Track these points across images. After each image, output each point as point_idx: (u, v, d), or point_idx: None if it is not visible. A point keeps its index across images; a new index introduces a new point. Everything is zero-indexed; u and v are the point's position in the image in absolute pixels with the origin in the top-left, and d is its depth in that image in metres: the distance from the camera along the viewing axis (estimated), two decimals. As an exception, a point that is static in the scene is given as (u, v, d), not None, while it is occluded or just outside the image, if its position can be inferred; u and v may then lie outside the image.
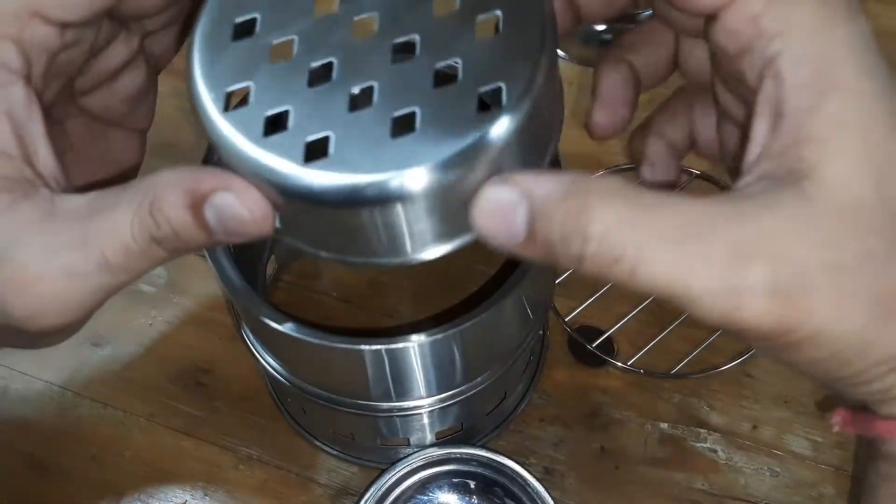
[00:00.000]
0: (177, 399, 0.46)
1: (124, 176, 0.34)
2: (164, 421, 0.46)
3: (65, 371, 0.47)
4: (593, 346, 0.46)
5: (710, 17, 0.26)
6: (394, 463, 0.38)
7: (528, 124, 0.25)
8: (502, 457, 0.38)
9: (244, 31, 0.28)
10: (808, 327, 0.23)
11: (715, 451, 0.44)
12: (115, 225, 0.26)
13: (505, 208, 0.24)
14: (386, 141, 0.25)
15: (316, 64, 0.27)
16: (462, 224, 0.26)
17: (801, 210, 0.23)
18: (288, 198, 0.25)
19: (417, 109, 0.25)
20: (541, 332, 0.44)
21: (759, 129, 0.24)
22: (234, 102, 0.26)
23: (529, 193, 0.24)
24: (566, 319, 0.47)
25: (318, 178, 0.25)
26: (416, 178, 0.24)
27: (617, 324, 0.47)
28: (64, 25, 0.28)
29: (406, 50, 0.27)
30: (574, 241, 0.23)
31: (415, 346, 0.32)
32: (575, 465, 0.44)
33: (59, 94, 0.31)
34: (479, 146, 0.25)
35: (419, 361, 0.34)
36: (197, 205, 0.25)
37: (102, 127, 0.33)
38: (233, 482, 0.44)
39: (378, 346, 0.32)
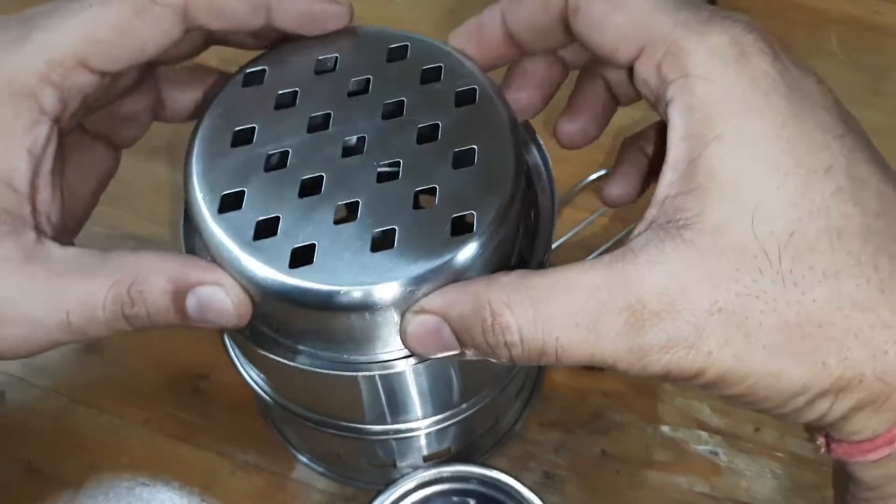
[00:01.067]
0: (173, 405, 0.46)
1: (99, 184, 0.35)
2: (161, 427, 0.45)
3: (61, 377, 0.47)
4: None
5: (630, 70, 0.27)
6: (388, 484, 0.37)
7: (494, 247, 0.28)
8: (495, 471, 0.37)
9: (243, 139, 0.30)
10: (714, 369, 0.24)
11: (717, 454, 0.44)
12: (88, 292, 0.27)
13: (431, 332, 0.27)
14: (365, 254, 0.27)
15: (307, 176, 0.29)
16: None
17: (681, 261, 0.24)
18: (271, 298, 0.27)
19: (396, 228, 0.28)
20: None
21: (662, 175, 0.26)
22: (228, 206, 0.29)
23: (445, 316, 0.26)
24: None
25: (301, 282, 0.27)
26: (388, 291, 0.27)
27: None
28: (104, 74, 0.29)
29: (391, 171, 0.29)
30: (501, 349, 0.25)
31: (409, 369, 0.31)
32: (576, 469, 0.44)
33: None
34: (448, 267, 0.27)
35: (415, 385, 0.33)
36: (180, 293, 0.27)
37: (88, 138, 0.34)
38: (230, 488, 0.44)
39: (372, 373, 0.31)
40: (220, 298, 0.27)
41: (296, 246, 0.28)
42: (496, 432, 0.42)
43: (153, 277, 0.27)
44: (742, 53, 0.24)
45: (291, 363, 0.30)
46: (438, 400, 0.34)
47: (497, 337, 0.25)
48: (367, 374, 0.30)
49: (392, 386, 0.32)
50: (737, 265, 0.24)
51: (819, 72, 0.62)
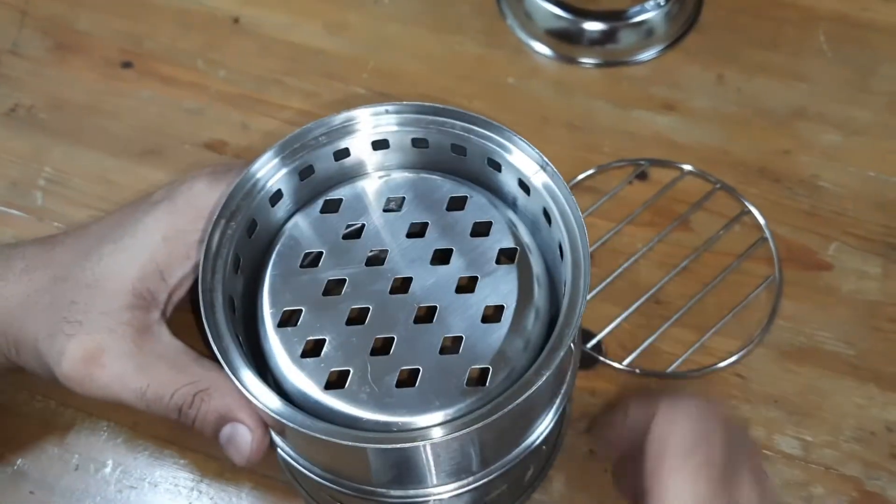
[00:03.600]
0: (161, 407, 0.46)
1: None
2: (149, 430, 0.45)
3: (50, 380, 0.46)
4: (587, 347, 0.46)
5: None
6: None
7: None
8: None
9: (310, 262, 0.35)
10: None
11: (705, 453, 0.44)
12: (170, 379, 0.34)
13: None
14: (390, 389, 0.31)
15: (356, 306, 0.33)
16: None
17: None
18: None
19: (421, 369, 0.31)
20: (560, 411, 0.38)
21: None
22: (286, 321, 0.33)
23: None
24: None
25: (331, 404, 0.31)
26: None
27: (607, 327, 0.47)
28: None
29: (428, 313, 0.33)
30: None
31: (426, 444, 0.30)
32: (564, 468, 0.44)
33: None
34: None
35: (430, 458, 0.32)
36: (224, 419, 0.34)
37: None
38: (219, 490, 0.44)
39: (387, 446, 0.30)
40: (244, 435, 0.34)
41: (333, 370, 0.32)
42: (512, 493, 0.41)
43: (216, 394, 0.34)
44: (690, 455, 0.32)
45: (303, 429, 0.30)
46: (454, 469, 0.33)
47: None
48: (379, 447, 0.30)
49: (405, 458, 0.32)
50: None
51: (807, 69, 0.62)
